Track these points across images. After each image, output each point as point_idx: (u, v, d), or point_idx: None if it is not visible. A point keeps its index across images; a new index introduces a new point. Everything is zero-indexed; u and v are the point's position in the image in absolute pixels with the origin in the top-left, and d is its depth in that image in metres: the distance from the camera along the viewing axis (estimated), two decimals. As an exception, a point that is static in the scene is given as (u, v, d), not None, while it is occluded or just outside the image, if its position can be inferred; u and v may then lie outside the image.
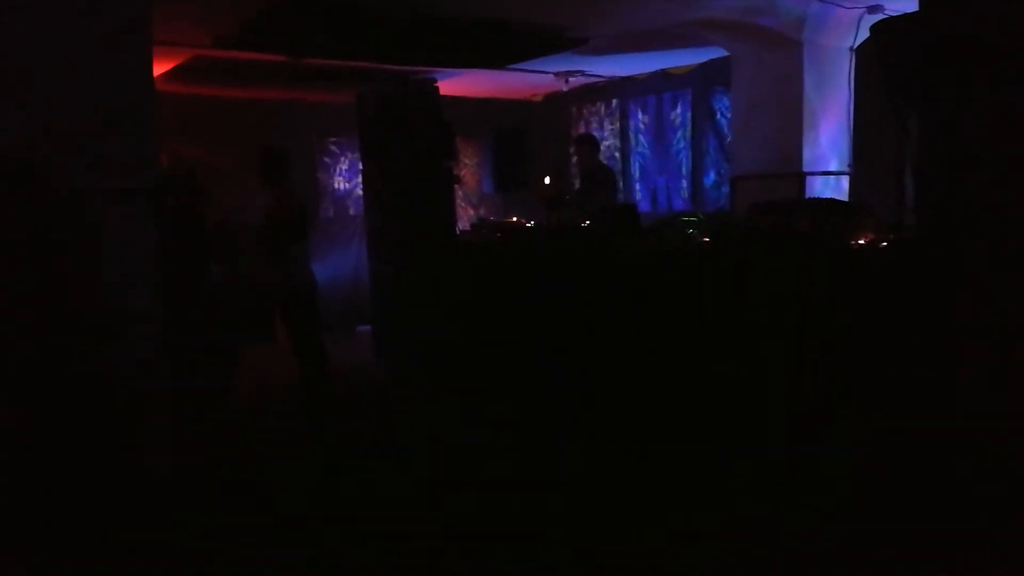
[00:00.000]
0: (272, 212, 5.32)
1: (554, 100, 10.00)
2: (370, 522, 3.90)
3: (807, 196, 6.16)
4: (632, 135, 9.33)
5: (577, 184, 8.46)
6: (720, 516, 3.76)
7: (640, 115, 9.21)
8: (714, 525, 3.68)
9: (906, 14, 4.08)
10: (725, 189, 7.85)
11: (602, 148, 8.84)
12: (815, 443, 3.71)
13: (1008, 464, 2.94)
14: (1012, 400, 2.91)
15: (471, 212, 9.93)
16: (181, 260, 4.61)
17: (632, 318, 4.66)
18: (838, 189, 6.45)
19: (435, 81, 7.58)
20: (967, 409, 3.06)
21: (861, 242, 3.72)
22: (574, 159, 9.66)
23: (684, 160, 8.70)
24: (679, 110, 8.72)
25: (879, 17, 5.50)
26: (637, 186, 9.29)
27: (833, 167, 6.46)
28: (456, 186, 8.01)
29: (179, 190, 5.09)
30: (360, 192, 8.59)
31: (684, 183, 8.73)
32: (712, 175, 8.40)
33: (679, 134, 8.75)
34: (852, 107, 6.41)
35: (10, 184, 2.48)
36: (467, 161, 9.93)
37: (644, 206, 8.89)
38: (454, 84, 8.20)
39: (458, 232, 7.40)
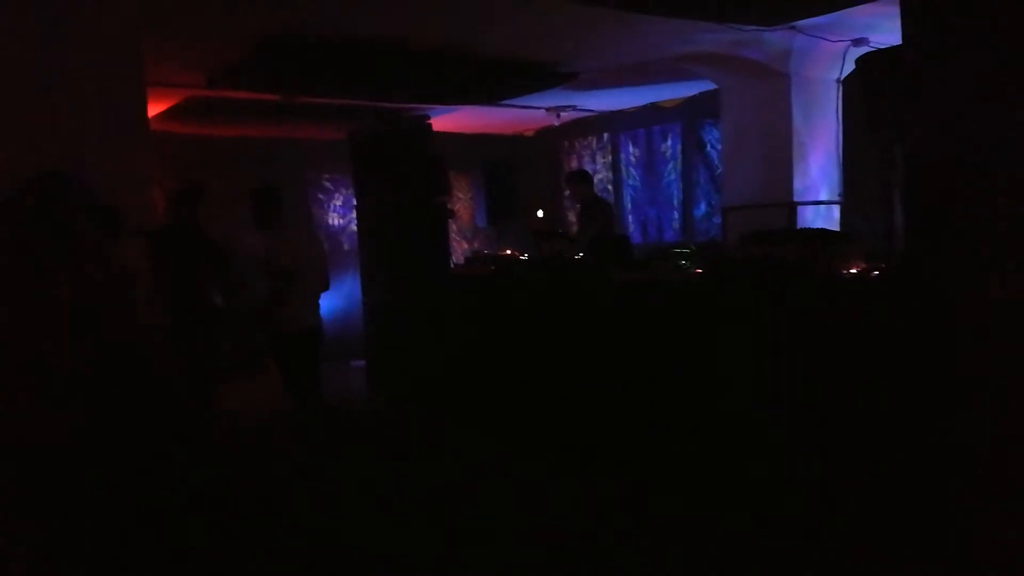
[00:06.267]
0: (278, 256, 5.12)
1: (546, 134, 10.10)
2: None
3: (798, 226, 6.21)
4: (623, 168, 9.41)
5: (574, 217, 8.52)
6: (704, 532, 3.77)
7: (631, 148, 9.30)
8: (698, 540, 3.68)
9: (890, 47, 4.17)
10: (716, 220, 7.91)
11: (594, 181, 8.91)
12: (801, 463, 3.70)
13: (1006, 483, 2.94)
14: (1006, 422, 2.91)
15: (465, 246, 9.98)
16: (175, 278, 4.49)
17: (624, 348, 4.66)
18: (829, 218, 6.50)
19: (428, 117, 7.66)
20: (960, 430, 3.06)
21: (853, 271, 3.74)
22: (567, 192, 9.72)
23: (675, 192, 8.78)
24: (669, 142, 8.81)
25: (864, 50, 5.60)
26: (629, 218, 9.36)
27: (823, 196, 6.51)
28: (450, 220, 8.06)
29: (184, 200, 4.97)
30: (354, 227, 8.62)
31: (675, 214, 8.80)
32: (703, 206, 8.47)
33: (670, 166, 8.83)
34: (841, 137, 6.48)
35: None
36: (460, 195, 9.99)
37: (635, 237, 8.97)
38: (447, 120, 8.29)
39: (452, 265, 7.43)
